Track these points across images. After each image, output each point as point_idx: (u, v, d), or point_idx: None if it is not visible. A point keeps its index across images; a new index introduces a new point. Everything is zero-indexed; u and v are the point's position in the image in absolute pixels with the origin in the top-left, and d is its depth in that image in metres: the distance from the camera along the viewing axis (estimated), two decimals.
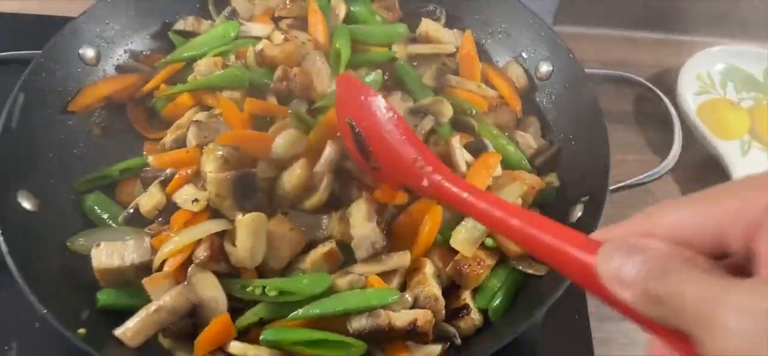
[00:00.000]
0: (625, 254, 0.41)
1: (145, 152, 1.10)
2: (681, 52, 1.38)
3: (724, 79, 1.34)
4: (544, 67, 1.19)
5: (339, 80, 1.02)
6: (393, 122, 0.90)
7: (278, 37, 1.19)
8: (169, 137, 1.08)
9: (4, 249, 0.86)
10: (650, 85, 1.15)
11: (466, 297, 0.95)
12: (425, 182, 0.82)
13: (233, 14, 1.24)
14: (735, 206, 0.38)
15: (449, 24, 1.29)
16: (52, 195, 1.01)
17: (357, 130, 0.91)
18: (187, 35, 1.22)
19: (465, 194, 0.72)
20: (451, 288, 0.97)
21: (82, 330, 0.84)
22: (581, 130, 1.12)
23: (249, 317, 0.90)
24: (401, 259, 0.94)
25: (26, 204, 0.96)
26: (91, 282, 0.93)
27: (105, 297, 0.91)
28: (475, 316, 0.93)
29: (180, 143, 1.06)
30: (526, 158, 1.12)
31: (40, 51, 1.07)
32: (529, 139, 1.14)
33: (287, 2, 1.24)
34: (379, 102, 0.91)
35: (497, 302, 0.95)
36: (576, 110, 1.13)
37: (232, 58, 1.18)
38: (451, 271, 0.95)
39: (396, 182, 0.95)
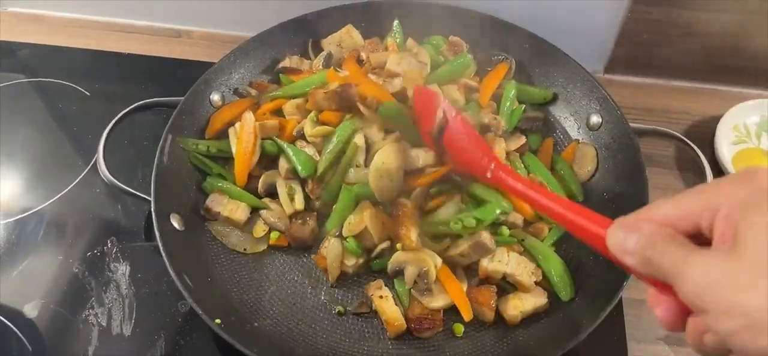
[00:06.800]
0: (626, 231, 0.61)
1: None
2: (724, 103, 1.49)
3: (758, 130, 1.43)
4: (594, 119, 1.33)
5: (416, 91, 1.19)
6: (460, 124, 1.10)
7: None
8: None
9: (168, 264, 1.05)
10: (686, 140, 1.26)
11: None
12: (489, 174, 1.03)
13: (329, 58, 1.43)
14: (704, 201, 0.56)
15: (516, 74, 1.42)
16: (190, 215, 1.22)
17: (435, 133, 1.11)
18: (291, 72, 1.41)
19: (519, 185, 0.96)
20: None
21: (218, 321, 1.01)
22: (625, 177, 1.23)
23: None
24: None
25: (176, 225, 1.16)
26: (222, 294, 1.16)
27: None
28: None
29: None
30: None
31: (182, 98, 1.27)
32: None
33: (370, 50, 1.41)
34: (450, 108, 1.10)
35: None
36: (622, 160, 1.25)
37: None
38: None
39: (464, 170, 1.13)
